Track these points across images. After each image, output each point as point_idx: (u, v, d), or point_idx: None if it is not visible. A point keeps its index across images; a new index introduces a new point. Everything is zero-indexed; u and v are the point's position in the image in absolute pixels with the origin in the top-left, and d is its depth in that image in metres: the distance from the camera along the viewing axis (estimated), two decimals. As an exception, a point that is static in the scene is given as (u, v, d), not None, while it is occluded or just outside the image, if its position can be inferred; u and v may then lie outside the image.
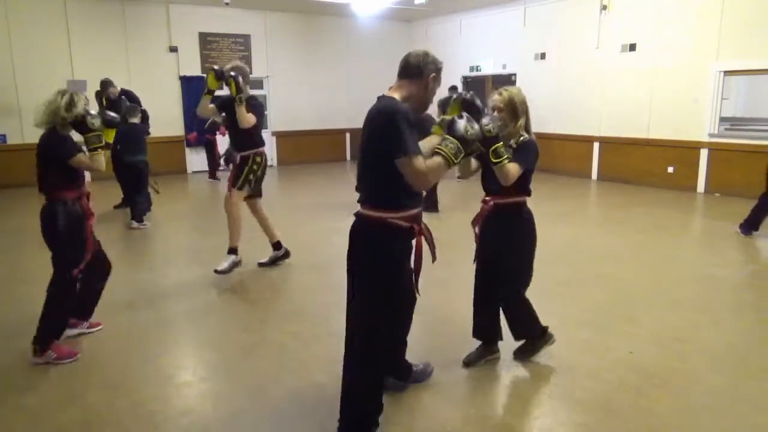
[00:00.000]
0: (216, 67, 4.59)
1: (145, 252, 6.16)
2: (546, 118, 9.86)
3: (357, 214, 2.50)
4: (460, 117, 2.47)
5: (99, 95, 8.20)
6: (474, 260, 3.23)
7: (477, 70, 12.46)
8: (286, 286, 4.85)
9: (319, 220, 7.46)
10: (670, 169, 9.30)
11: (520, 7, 11.40)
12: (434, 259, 2.76)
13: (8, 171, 9.79)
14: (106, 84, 7.97)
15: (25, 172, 9.65)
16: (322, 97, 13.09)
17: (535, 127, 3.12)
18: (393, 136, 2.26)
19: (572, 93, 10.39)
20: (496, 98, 3.01)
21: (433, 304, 4.08)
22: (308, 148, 13.00)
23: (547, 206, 7.65)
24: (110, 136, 3.55)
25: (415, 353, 3.07)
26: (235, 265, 4.94)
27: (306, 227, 7.11)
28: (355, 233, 2.50)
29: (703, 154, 8.88)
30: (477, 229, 3.20)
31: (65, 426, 2.73)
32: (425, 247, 2.56)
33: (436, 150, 2.38)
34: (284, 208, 8.29)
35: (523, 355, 3.34)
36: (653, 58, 9.35)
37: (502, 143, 2.70)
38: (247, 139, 4.79)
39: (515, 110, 2.97)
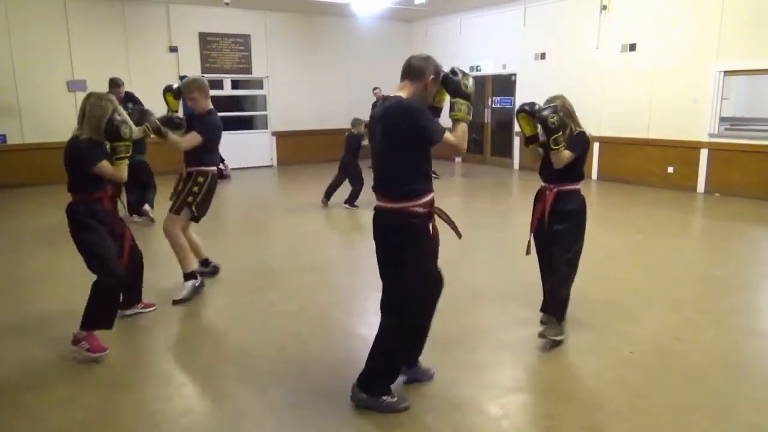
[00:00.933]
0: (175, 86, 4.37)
1: (145, 252, 6.14)
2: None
3: (386, 210, 2.68)
4: (455, 74, 2.73)
5: None
6: (533, 244, 3.62)
7: (477, 70, 12.45)
8: (286, 286, 4.85)
9: (319, 221, 7.47)
10: (670, 169, 9.30)
11: (520, 7, 11.40)
12: (459, 235, 2.97)
13: (8, 171, 9.79)
14: (115, 83, 7.52)
15: (25, 172, 9.75)
16: (322, 97, 13.10)
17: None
18: (424, 129, 2.58)
19: (572, 93, 10.19)
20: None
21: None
22: (308, 148, 13.00)
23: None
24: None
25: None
26: (197, 290, 4.46)
27: (306, 227, 7.12)
28: (382, 226, 2.72)
29: (703, 154, 8.88)
30: (542, 215, 3.54)
31: (65, 426, 2.73)
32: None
33: (454, 117, 2.73)
34: (284, 208, 8.30)
35: (551, 332, 3.47)
36: (653, 58, 9.35)
37: (561, 133, 3.31)
38: (193, 155, 4.32)
39: (564, 123, 3.47)
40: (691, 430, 2.68)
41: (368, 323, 3.99)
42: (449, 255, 4.32)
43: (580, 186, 3.57)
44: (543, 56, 11.17)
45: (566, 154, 3.40)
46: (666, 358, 3.38)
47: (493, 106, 12.54)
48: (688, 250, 6.06)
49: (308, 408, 2.86)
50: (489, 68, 12.30)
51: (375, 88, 11.04)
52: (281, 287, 4.82)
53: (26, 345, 3.62)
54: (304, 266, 5.31)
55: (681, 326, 3.86)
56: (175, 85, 4.38)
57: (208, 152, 4.38)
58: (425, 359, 3.14)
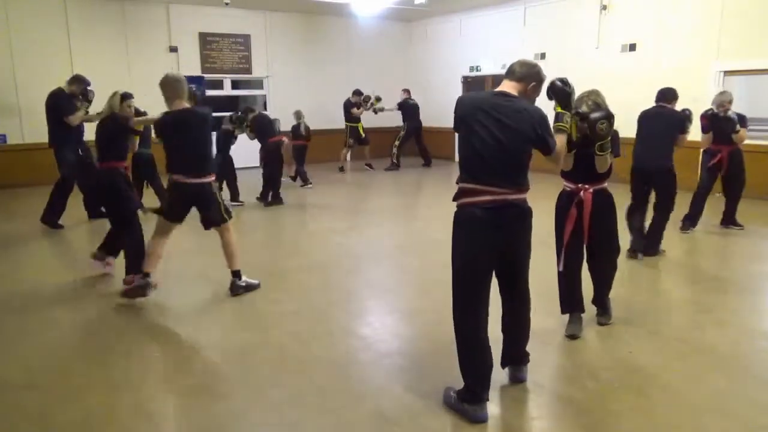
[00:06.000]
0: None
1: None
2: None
3: (516, 202, 2.74)
4: (566, 84, 3.07)
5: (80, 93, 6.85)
6: (565, 241, 3.62)
7: (477, 70, 12.45)
8: (286, 286, 4.85)
9: (318, 221, 7.47)
10: (670, 169, 9.28)
11: (520, 7, 11.40)
12: None
13: (8, 171, 9.78)
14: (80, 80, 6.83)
15: (26, 172, 9.73)
16: (322, 97, 13.08)
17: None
18: (550, 137, 2.79)
19: (572, 93, 10.36)
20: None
21: (436, 305, 4.07)
22: (308, 148, 12.98)
23: (547, 206, 7.64)
24: None
25: (418, 363, 3.06)
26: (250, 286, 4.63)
27: (305, 228, 7.12)
28: (523, 215, 2.80)
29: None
30: (580, 214, 3.59)
31: (65, 426, 2.74)
32: None
33: (558, 127, 2.95)
34: (284, 208, 8.30)
35: (606, 319, 3.82)
36: (653, 58, 9.34)
37: (609, 139, 3.26)
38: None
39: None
40: (691, 430, 2.68)
41: (368, 323, 4.00)
42: (444, 257, 4.33)
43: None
44: (543, 56, 11.15)
45: (610, 158, 3.43)
46: (666, 358, 3.38)
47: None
48: (688, 250, 6.06)
49: (308, 408, 2.86)
50: (489, 68, 12.27)
51: (404, 90, 12.32)
52: (281, 287, 4.82)
53: (26, 346, 3.62)
54: (304, 266, 5.31)
55: (681, 326, 3.86)
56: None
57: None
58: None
